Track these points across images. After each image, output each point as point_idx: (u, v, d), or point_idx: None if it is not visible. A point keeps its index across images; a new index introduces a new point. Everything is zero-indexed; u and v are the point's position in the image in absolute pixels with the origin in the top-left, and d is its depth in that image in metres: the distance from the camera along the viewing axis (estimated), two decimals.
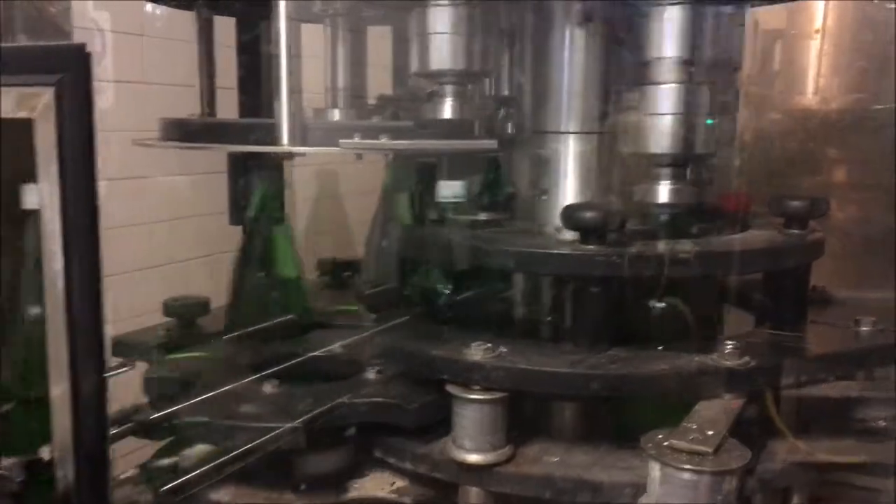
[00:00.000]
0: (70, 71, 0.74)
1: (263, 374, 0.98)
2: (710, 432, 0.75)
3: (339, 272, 1.53)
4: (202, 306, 1.24)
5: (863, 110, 1.79)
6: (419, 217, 1.31)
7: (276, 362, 1.00)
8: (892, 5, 1.84)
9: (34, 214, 0.78)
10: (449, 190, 1.02)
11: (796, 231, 1.00)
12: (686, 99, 0.91)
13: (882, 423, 0.96)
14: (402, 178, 1.40)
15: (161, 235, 1.77)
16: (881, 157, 1.81)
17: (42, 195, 0.75)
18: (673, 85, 0.90)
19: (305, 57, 1.39)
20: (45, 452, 0.82)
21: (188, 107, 1.39)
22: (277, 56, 1.03)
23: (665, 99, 0.91)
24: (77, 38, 1.59)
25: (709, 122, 1.10)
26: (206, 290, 1.29)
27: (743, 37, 1.01)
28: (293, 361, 1.04)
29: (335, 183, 1.95)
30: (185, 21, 1.38)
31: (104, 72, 1.73)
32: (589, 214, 0.87)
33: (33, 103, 0.75)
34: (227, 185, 1.64)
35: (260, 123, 1.11)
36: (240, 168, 1.61)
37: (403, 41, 1.63)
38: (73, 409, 0.76)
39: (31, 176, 0.75)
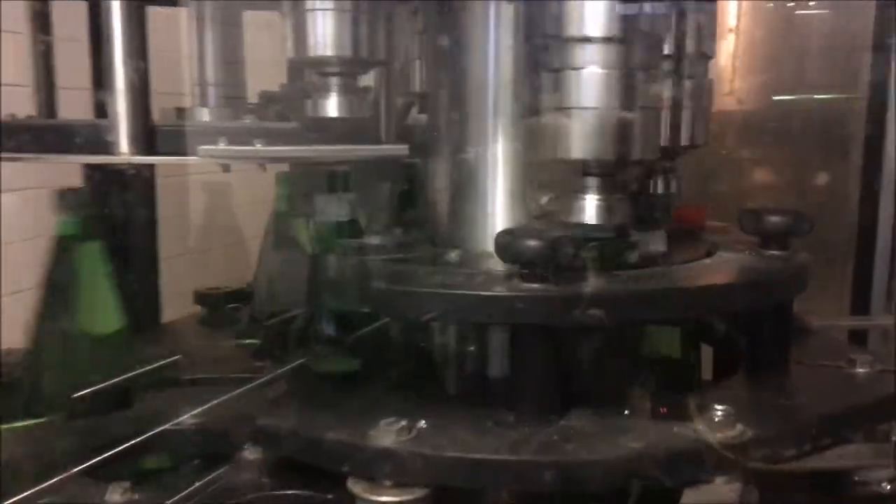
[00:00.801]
0: None
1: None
2: None
3: (221, 305, 1.27)
4: None
5: (775, 109, 1.70)
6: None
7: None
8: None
9: None
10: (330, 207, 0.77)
11: (777, 252, 0.81)
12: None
13: (887, 487, 0.78)
14: (297, 192, 1.17)
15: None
16: (797, 156, 1.71)
17: None
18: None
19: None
20: None
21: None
22: (109, 35, 0.78)
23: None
24: None
25: None
26: None
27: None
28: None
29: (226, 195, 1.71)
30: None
31: None
32: (532, 244, 0.65)
33: None
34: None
35: (91, 124, 0.84)
36: (97, 181, 1.33)
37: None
38: None
39: None
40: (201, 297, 1.31)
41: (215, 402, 0.79)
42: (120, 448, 0.71)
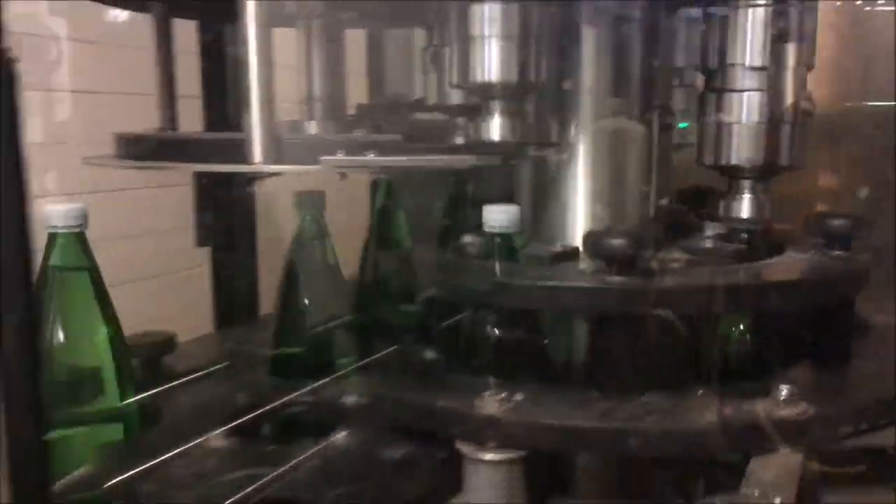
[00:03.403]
0: None
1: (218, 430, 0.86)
2: (777, 499, 0.63)
3: None
4: (167, 343, 1.10)
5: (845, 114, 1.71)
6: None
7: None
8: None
9: None
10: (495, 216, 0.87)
11: (840, 253, 0.89)
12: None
13: None
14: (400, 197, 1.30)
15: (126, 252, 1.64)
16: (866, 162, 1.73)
17: None
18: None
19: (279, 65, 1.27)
20: None
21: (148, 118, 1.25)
22: (246, 62, 0.90)
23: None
24: (31, 45, 1.45)
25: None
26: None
27: None
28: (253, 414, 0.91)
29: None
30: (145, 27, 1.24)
31: (61, 81, 1.60)
32: (617, 242, 0.75)
33: None
34: (193, 204, 1.52)
35: (228, 139, 0.97)
36: (207, 186, 1.48)
37: (379, 45, 1.52)
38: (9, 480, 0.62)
39: None
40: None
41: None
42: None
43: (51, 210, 0.84)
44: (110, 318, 0.86)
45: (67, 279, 0.84)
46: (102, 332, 0.84)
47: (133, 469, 0.78)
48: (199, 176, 1.43)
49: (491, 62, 0.85)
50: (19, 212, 0.61)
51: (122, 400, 0.85)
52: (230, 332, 1.39)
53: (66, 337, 0.83)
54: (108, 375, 0.84)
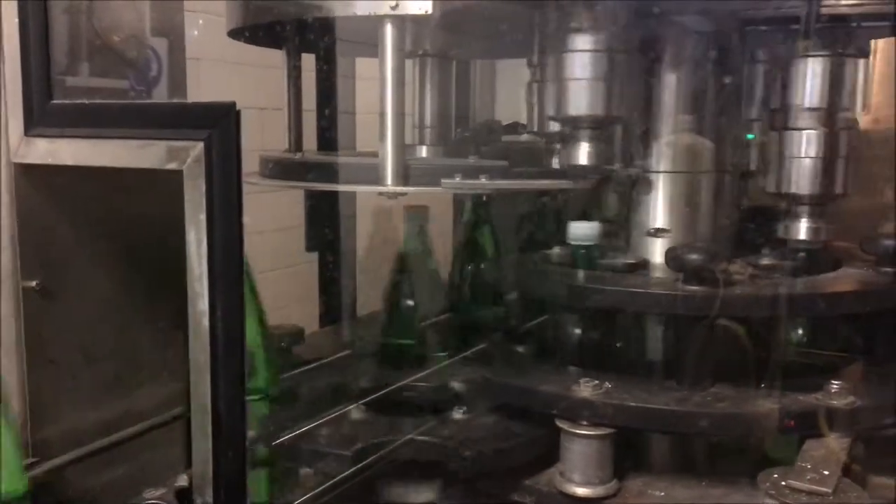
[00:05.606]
0: (219, 127, 0.79)
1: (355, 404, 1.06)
2: (826, 472, 0.78)
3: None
4: (298, 334, 1.29)
5: None
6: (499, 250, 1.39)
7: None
8: None
9: None
10: (580, 231, 1.04)
11: (891, 269, 1.02)
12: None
13: None
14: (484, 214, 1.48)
15: None
16: None
17: (189, 241, 0.80)
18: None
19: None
20: (182, 480, 0.87)
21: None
22: (383, 97, 1.07)
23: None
24: None
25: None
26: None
27: None
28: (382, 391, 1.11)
29: None
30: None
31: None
32: (693, 256, 0.90)
33: (183, 156, 0.80)
34: (305, 214, 1.71)
35: (361, 163, 1.16)
36: (317, 199, 1.68)
37: (485, 76, 1.70)
38: (214, 437, 0.81)
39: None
40: None
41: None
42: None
43: None
44: None
45: None
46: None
47: (293, 432, 0.98)
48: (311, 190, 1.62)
49: (580, 99, 0.99)
50: None
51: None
52: (341, 328, 1.59)
53: None
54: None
